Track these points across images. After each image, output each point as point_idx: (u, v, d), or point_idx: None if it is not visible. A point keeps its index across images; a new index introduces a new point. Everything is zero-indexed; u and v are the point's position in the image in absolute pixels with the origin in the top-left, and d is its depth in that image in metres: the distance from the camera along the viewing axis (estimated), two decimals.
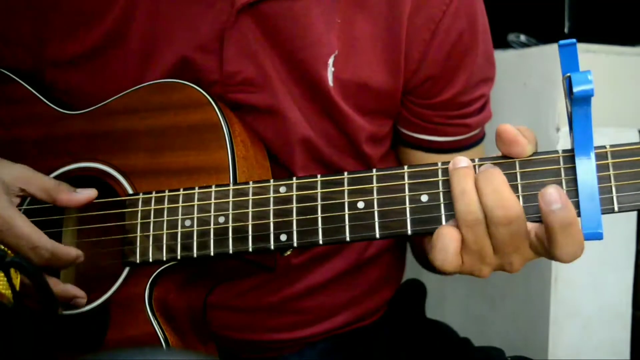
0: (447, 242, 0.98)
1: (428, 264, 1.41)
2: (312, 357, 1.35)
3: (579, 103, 0.90)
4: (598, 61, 1.76)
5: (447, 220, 1.01)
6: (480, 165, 1.00)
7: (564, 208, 0.91)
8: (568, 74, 0.91)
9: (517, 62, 1.83)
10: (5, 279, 1.01)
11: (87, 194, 1.14)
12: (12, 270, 1.01)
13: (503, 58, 1.81)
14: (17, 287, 1.02)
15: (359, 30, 1.23)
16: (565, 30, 1.78)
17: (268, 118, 1.23)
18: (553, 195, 0.91)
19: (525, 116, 1.80)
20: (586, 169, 0.94)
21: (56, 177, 1.19)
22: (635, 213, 1.73)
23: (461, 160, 0.99)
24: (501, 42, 1.83)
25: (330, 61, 1.21)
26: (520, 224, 0.95)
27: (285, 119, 1.22)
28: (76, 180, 1.19)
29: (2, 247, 1.06)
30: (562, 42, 0.91)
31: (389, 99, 1.29)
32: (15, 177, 1.12)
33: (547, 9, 1.82)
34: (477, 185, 0.97)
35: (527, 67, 1.80)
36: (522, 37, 1.84)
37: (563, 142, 1.70)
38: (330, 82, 1.22)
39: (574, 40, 0.91)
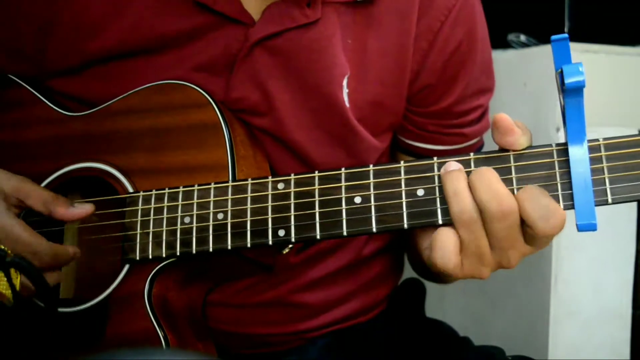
0: (444, 239, 0.99)
1: (427, 273, 1.41)
2: (312, 354, 1.35)
3: (571, 95, 0.91)
4: (598, 61, 1.77)
5: (442, 214, 1.01)
6: (475, 160, 1.01)
7: None
8: (561, 68, 0.91)
9: (517, 62, 1.84)
10: (5, 279, 1.02)
11: (84, 208, 1.15)
12: (12, 270, 1.02)
13: (503, 58, 1.82)
14: (17, 287, 1.03)
15: (370, 48, 1.23)
16: (565, 30, 1.78)
17: (273, 140, 1.23)
18: None
19: (525, 116, 1.80)
20: (579, 161, 0.94)
21: (58, 178, 1.20)
22: (635, 213, 1.73)
23: (451, 164, 1.01)
24: (501, 42, 1.83)
25: (344, 82, 1.22)
26: (516, 217, 0.96)
27: (290, 144, 1.23)
28: (78, 180, 1.20)
29: (3, 247, 1.06)
30: (554, 37, 0.92)
31: (399, 113, 1.30)
32: (15, 188, 1.13)
33: (547, 9, 1.83)
34: (470, 183, 0.98)
35: (527, 67, 1.81)
36: (522, 37, 1.85)
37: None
38: (347, 103, 1.22)
39: (565, 35, 0.91)
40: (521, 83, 1.81)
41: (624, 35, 1.84)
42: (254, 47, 1.19)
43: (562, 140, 1.69)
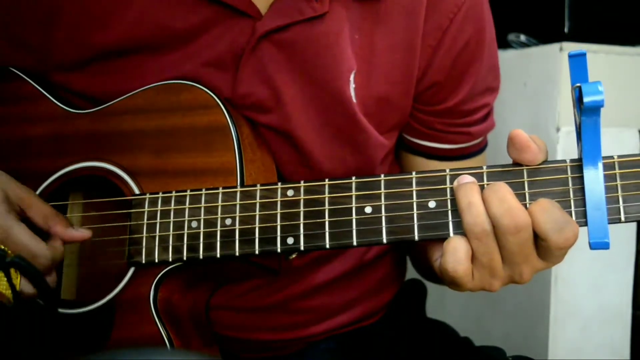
0: (456, 244, 0.99)
1: (433, 277, 1.41)
2: (314, 357, 1.35)
3: (588, 113, 0.91)
4: (598, 61, 1.77)
5: (454, 227, 1.01)
6: (488, 173, 1.01)
7: None
8: (578, 84, 0.91)
9: (517, 62, 1.84)
10: (5, 279, 1.01)
11: (82, 232, 1.14)
12: (12, 270, 1.01)
13: (503, 58, 1.81)
14: (18, 287, 1.02)
15: (377, 45, 1.23)
16: (565, 30, 1.78)
17: (278, 137, 1.22)
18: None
19: (525, 116, 1.81)
20: (594, 179, 0.95)
21: (62, 176, 1.18)
22: None
23: (465, 177, 1.01)
24: (501, 42, 1.83)
25: (351, 78, 1.21)
26: (529, 232, 0.97)
27: (296, 141, 1.22)
28: (81, 180, 1.19)
29: (3, 247, 1.06)
30: (572, 52, 0.92)
31: (405, 111, 1.30)
32: (19, 197, 1.12)
33: (547, 9, 1.83)
34: (484, 197, 0.98)
35: (527, 67, 1.81)
36: (522, 37, 1.85)
37: (563, 142, 1.71)
38: (354, 99, 1.21)
39: (583, 51, 0.91)
40: (521, 83, 1.82)
41: (624, 35, 1.84)
42: (261, 41, 1.17)
43: (561, 140, 1.74)
